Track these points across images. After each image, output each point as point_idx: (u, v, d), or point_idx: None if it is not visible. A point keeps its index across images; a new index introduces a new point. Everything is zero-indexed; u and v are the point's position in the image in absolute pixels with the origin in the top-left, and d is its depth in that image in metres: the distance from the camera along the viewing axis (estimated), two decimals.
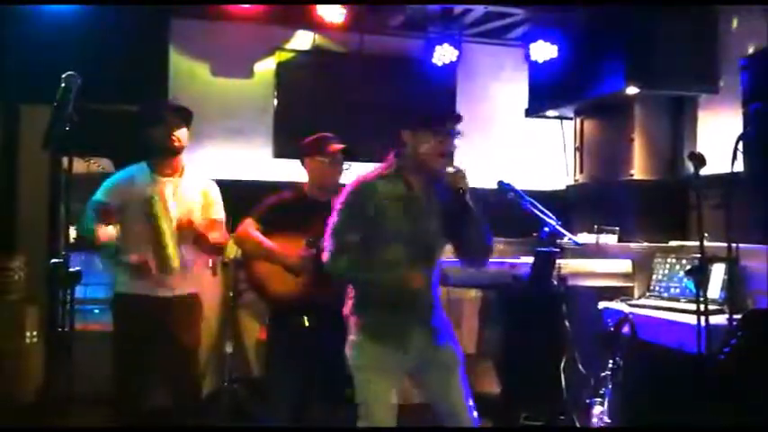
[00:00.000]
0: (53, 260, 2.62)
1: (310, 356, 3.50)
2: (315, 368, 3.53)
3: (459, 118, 2.95)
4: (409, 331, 2.91)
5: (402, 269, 2.86)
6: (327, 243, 2.92)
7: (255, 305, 4.77)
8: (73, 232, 3.49)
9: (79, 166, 4.58)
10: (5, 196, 5.50)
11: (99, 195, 3.52)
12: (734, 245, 3.31)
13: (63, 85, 2.66)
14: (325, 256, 2.93)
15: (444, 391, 2.98)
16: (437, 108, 3.10)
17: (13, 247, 5.39)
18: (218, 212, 3.63)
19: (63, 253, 2.66)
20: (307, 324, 3.48)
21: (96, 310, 4.81)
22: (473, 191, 2.89)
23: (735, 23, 4.62)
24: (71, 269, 2.62)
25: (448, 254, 3.11)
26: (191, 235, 3.46)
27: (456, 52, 5.82)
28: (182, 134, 3.53)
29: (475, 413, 3.00)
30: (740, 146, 3.27)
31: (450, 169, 2.85)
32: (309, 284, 3.50)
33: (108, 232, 3.49)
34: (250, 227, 3.56)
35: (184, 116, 3.57)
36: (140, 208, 3.40)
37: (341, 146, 3.61)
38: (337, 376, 3.68)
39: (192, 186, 3.59)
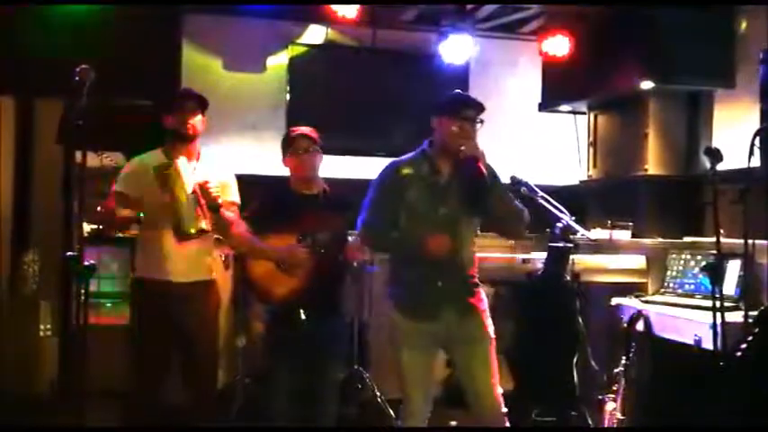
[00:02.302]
0: (67, 254, 2.64)
1: (308, 350, 3.50)
2: (312, 362, 3.54)
3: (478, 105, 3.19)
4: (439, 303, 3.11)
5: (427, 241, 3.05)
6: (361, 216, 3.20)
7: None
8: (87, 227, 3.52)
9: (92, 160, 4.63)
10: (19, 190, 5.54)
11: (118, 185, 3.55)
12: (750, 241, 3.28)
13: (76, 79, 2.68)
14: (359, 227, 3.21)
15: (469, 365, 3.16)
16: (458, 95, 3.28)
17: (26, 240, 5.42)
18: (234, 195, 3.65)
19: (77, 246, 2.68)
20: (303, 317, 3.48)
21: (109, 304, 4.84)
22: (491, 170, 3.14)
23: None
24: (85, 263, 2.64)
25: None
26: (206, 200, 3.44)
27: (469, 46, 5.79)
28: (196, 121, 3.55)
29: (500, 390, 3.14)
30: (757, 141, 3.23)
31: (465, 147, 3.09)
32: (303, 279, 3.52)
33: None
34: (243, 229, 3.57)
35: (199, 103, 3.59)
36: (156, 179, 3.41)
37: (305, 137, 3.61)
38: (334, 368, 3.70)
39: (209, 169, 3.60)
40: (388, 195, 3.18)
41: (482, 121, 3.17)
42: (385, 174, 3.24)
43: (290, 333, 3.51)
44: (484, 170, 3.05)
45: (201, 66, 5.84)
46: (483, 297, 3.24)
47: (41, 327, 5.15)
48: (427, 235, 3.05)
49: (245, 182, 3.88)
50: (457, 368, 3.23)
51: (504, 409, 3.15)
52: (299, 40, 6.09)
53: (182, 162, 3.48)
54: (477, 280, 3.24)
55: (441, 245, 3.03)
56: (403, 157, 3.27)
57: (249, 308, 4.95)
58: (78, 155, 2.72)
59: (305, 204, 3.58)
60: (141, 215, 3.48)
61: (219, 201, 3.44)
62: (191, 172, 3.50)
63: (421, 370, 3.16)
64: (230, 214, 3.56)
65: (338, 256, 3.60)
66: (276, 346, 3.63)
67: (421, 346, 3.15)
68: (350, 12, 5.35)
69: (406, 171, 3.18)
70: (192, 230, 3.44)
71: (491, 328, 3.20)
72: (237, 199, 3.67)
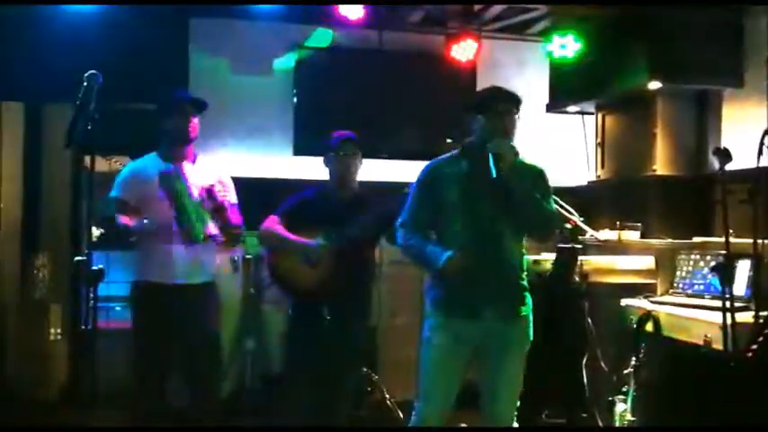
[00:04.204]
0: (76, 258, 2.66)
1: (330, 348, 3.51)
2: (333, 360, 3.55)
3: (512, 97, 3.11)
4: (481, 302, 2.99)
5: (467, 246, 2.96)
6: (399, 220, 3.13)
7: (279, 302, 4.77)
8: (96, 231, 3.53)
9: (101, 164, 4.63)
10: (29, 195, 5.56)
11: (115, 191, 3.55)
12: (760, 241, 3.27)
13: (85, 84, 2.70)
14: (397, 233, 3.13)
15: (495, 378, 3.06)
16: (492, 90, 3.18)
17: (36, 245, 5.45)
18: (232, 196, 3.67)
19: (86, 251, 2.69)
20: (327, 318, 3.50)
21: (118, 308, 4.85)
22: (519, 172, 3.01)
23: None
24: (94, 267, 2.65)
25: None
26: (211, 205, 3.47)
27: (476, 48, 5.79)
28: (195, 124, 3.58)
29: (516, 404, 3.07)
30: (766, 140, 3.22)
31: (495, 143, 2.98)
32: (328, 274, 3.54)
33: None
34: (274, 223, 3.62)
35: (198, 106, 3.61)
36: (160, 187, 3.43)
37: (351, 141, 3.64)
38: (352, 369, 3.71)
39: (206, 171, 3.63)
40: (426, 195, 3.10)
41: (516, 114, 3.08)
42: (423, 174, 3.16)
43: (312, 332, 3.53)
44: (505, 167, 2.92)
45: (209, 69, 5.85)
46: (530, 303, 3.11)
47: (51, 330, 5.17)
48: (469, 238, 2.98)
49: (252, 185, 3.89)
50: (481, 373, 3.10)
51: (515, 424, 3.09)
52: (305, 43, 6.10)
53: (184, 167, 3.50)
54: (526, 283, 3.13)
55: (457, 266, 2.91)
56: (442, 157, 3.19)
57: (264, 303, 4.98)
58: (87, 159, 2.73)
59: (339, 208, 3.62)
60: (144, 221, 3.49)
61: (226, 203, 3.46)
62: (192, 175, 3.52)
63: (446, 370, 3.02)
64: (236, 216, 3.57)
65: (366, 257, 3.62)
66: (298, 344, 3.66)
67: (452, 347, 3.01)
68: (356, 13, 5.36)
69: (444, 170, 3.10)
70: (201, 237, 3.47)
71: (528, 340, 3.09)
72: (236, 200, 3.68)
